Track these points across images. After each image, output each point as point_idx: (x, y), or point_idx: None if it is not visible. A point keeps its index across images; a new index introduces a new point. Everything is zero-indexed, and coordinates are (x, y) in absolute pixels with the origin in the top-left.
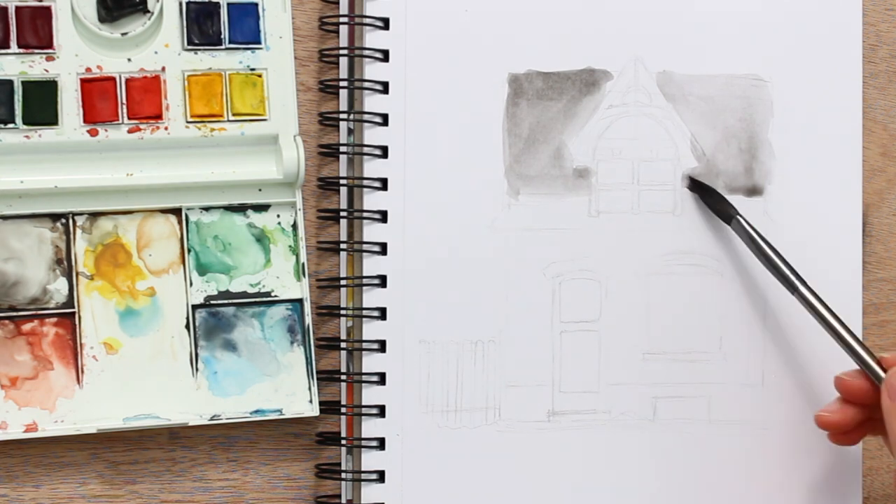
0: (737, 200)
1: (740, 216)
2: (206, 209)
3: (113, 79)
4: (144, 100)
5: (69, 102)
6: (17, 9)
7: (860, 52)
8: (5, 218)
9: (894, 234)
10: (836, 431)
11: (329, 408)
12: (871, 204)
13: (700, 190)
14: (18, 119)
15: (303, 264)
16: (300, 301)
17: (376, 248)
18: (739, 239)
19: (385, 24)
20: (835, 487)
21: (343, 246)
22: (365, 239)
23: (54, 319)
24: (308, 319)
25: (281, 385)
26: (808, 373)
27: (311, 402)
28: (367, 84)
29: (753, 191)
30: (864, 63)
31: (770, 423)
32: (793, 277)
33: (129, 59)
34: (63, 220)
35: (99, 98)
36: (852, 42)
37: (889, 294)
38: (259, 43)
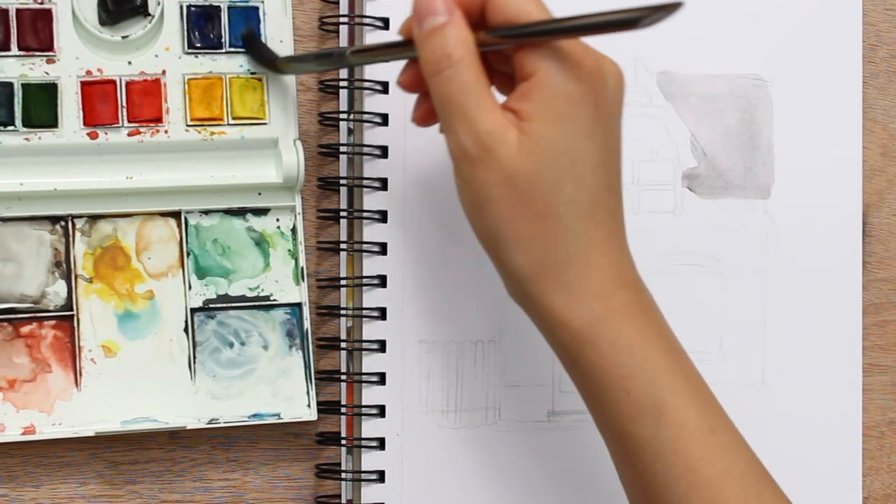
0: (737, 200)
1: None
2: (206, 213)
3: (113, 82)
4: (144, 103)
5: (69, 105)
6: (18, 11)
7: (860, 52)
8: (4, 220)
9: (894, 234)
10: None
11: (329, 408)
12: (871, 204)
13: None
14: (18, 121)
15: (302, 268)
16: (299, 305)
17: (376, 248)
18: (738, 239)
19: (385, 24)
20: (835, 487)
21: (343, 246)
22: (365, 239)
23: (53, 322)
24: (307, 324)
25: (279, 389)
26: (808, 373)
27: (308, 406)
28: (367, 84)
29: (753, 191)
30: (864, 63)
31: (770, 423)
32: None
33: (130, 62)
34: (62, 223)
35: (99, 101)
36: (852, 42)
37: (889, 294)
38: None
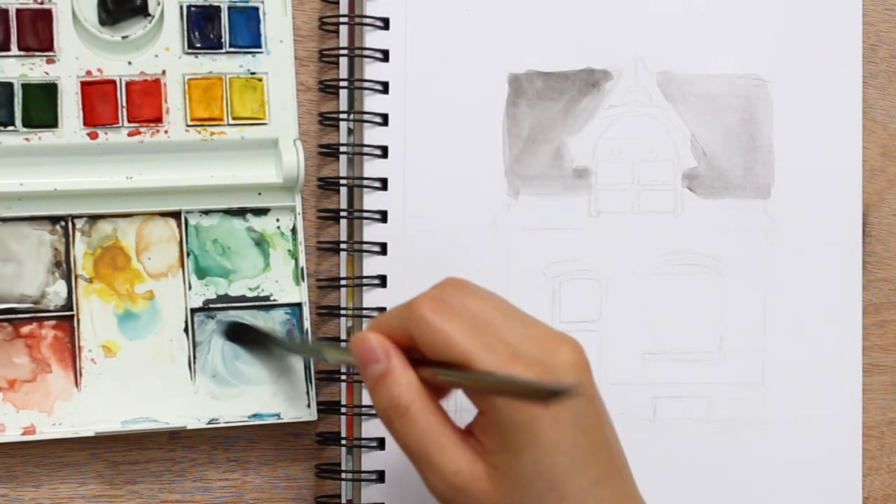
0: (737, 201)
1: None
2: (206, 213)
3: (113, 82)
4: (144, 103)
5: (69, 105)
6: (18, 11)
7: (860, 52)
8: (4, 220)
9: (894, 234)
10: None
11: (329, 408)
12: (871, 204)
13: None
14: (18, 121)
15: (302, 269)
16: (299, 305)
17: (376, 248)
18: (738, 239)
19: (385, 24)
20: (835, 487)
21: (343, 246)
22: (365, 239)
23: (53, 322)
24: (307, 324)
25: (279, 389)
26: (808, 373)
27: (308, 406)
28: (367, 84)
29: (753, 191)
30: (864, 63)
31: (770, 423)
32: None
33: (130, 63)
34: (62, 223)
35: (99, 101)
36: (852, 42)
37: (889, 294)
38: (260, 47)
